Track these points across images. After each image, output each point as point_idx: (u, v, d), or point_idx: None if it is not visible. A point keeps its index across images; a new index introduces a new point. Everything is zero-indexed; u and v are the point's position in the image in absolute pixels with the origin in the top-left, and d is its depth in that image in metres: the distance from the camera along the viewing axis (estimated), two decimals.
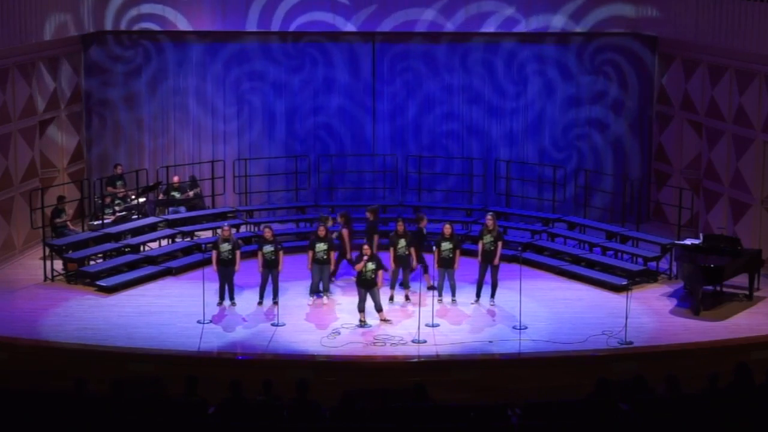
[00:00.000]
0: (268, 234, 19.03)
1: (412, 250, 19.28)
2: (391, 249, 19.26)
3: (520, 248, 20.40)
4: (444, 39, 24.60)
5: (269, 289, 19.04)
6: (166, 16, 24.16)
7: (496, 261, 19.16)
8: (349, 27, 24.29)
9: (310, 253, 19.09)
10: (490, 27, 24.17)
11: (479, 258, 19.30)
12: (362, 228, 20.90)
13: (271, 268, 18.93)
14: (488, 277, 19.31)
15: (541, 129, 24.82)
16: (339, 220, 20.38)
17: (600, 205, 24.21)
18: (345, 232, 20.18)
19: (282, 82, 24.83)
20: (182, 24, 24.25)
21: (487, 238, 19.20)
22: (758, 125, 20.96)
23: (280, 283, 19.03)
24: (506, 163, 24.43)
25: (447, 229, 19.07)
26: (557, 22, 24.06)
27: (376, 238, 19.96)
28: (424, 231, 19.90)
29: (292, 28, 24.30)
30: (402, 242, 19.21)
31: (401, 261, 19.29)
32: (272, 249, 18.91)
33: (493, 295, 19.29)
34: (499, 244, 19.19)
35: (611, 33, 24.32)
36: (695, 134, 23.53)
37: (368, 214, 20.48)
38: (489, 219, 19.38)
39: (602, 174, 24.41)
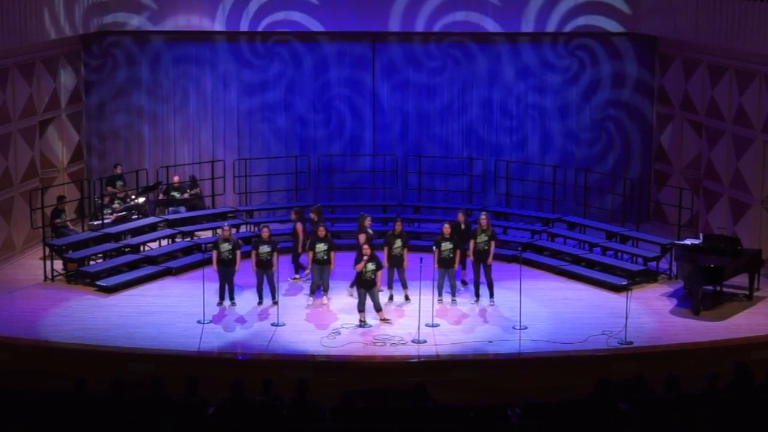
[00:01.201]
0: (265, 234, 19.04)
1: (405, 250, 19.28)
2: (386, 249, 19.25)
3: (520, 248, 20.39)
4: (445, 39, 24.59)
5: (268, 288, 19.05)
6: (166, 16, 24.15)
7: (490, 260, 19.17)
8: (350, 27, 24.29)
9: (311, 254, 19.09)
10: (489, 27, 24.17)
11: (472, 258, 19.31)
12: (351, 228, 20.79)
13: (266, 268, 18.93)
14: (482, 277, 19.33)
15: (541, 129, 24.83)
16: (293, 216, 20.27)
17: (600, 205, 24.20)
18: (299, 226, 20.07)
19: (282, 81, 24.82)
20: (183, 24, 24.24)
21: (481, 238, 19.21)
22: (758, 125, 20.96)
23: (280, 283, 19.01)
24: (506, 163, 24.43)
25: (447, 229, 19.08)
26: (558, 22, 24.06)
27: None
28: (462, 226, 19.79)
29: (293, 28, 24.30)
30: (398, 242, 19.20)
31: (396, 261, 19.28)
32: (268, 249, 18.91)
33: (491, 295, 19.30)
34: (493, 243, 19.20)
35: (611, 33, 24.32)
36: (695, 134, 23.54)
37: (312, 215, 20.30)
38: (483, 218, 19.39)
39: (602, 174, 24.42)
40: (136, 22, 24.20)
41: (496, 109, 24.83)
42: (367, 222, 20.02)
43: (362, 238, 19.53)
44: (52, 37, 22.30)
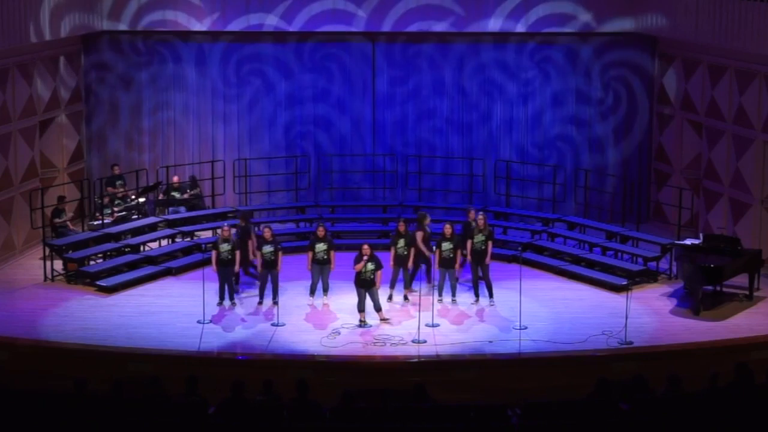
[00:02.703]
0: (267, 234, 19.03)
1: (411, 250, 19.28)
2: (392, 249, 19.26)
3: (520, 248, 20.39)
4: (445, 39, 24.60)
5: (269, 288, 19.03)
6: (167, 15, 24.15)
7: (487, 260, 19.18)
8: (351, 27, 24.29)
9: (310, 254, 19.07)
10: (491, 27, 24.17)
11: (469, 258, 19.30)
12: (360, 228, 20.81)
13: (270, 268, 18.93)
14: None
15: (541, 129, 24.83)
16: (241, 222, 19.99)
17: (600, 205, 24.20)
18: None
19: (282, 81, 24.83)
20: (183, 23, 24.25)
21: (478, 238, 19.22)
22: (758, 125, 20.96)
23: (280, 283, 19.01)
24: (506, 163, 24.44)
25: (447, 229, 19.07)
26: (558, 21, 24.06)
27: (251, 243, 19.61)
28: (473, 225, 19.81)
29: (292, 28, 24.30)
30: (402, 242, 19.20)
31: (401, 261, 19.28)
32: (272, 249, 18.90)
33: (491, 295, 19.31)
34: (490, 243, 19.20)
35: (611, 33, 24.33)
36: (695, 134, 23.54)
37: (240, 221, 20.05)
38: (480, 218, 19.39)
39: (602, 174, 24.42)
40: (135, 22, 24.19)
41: (497, 108, 24.83)
42: (427, 221, 19.89)
43: (419, 235, 19.36)
44: (51, 38, 22.29)
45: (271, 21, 24.15)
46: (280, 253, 18.95)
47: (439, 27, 24.18)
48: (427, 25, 24.16)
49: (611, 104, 24.71)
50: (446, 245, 18.96)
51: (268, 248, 18.89)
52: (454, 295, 19.36)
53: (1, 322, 18.08)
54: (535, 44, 24.58)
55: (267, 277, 19.00)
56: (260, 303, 19.17)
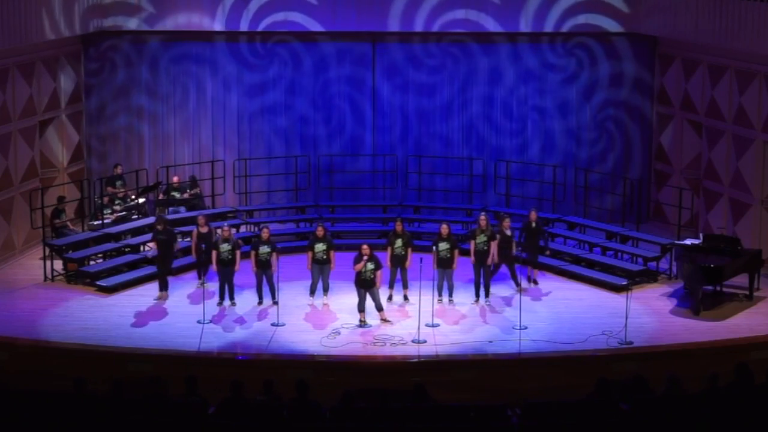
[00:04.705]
0: (265, 234, 19.04)
1: (409, 250, 19.28)
2: (389, 249, 19.25)
3: (520, 248, 20.39)
4: (444, 39, 24.61)
5: (268, 288, 19.05)
6: (165, 16, 24.15)
7: (490, 261, 19.17)
8: (350, 27, 24.29)
9: (310, 253, 19.07)
10: (489, 27, 24.17)
11: (473, 258, 19.30)
12: (360, 228, 20.79)
13: (264, 268, 18.93)
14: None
15: (541, 129, 24.83)
16: (159, 227, 19.79)
17: (600, 205, 24.20)
18: (194, 231, 19.85)
19: (282, 81, 24.83)
20: (182, 24, 24.24)
21: (481, 238, 19.21)
22: (758, 125, 20.96)
23: (280, 283, 19.01)
24: (506, 163, 24.44)
25: (444, 229, 19.06)
26: (557, 22, 24.06)
27: (175, 246, 19.56)
28: (533, 225, 20.02)
29: (293, 28, 24.30)
30: (399, 242, 19.19)
31: (398, 261, 19.27)
32: (268, 250, 18.91)
33: (487, 295, 19.31)
34: (492, 244, 19.20)
35: (611, 33, 24.33)
36: (695, 134, 23.54)
37: (159, 226, 19.78)
38: (482, 219, 19.38)
39: (602, 174, 24.41)
40: (135, 22, 24.20)
41: (497, 109, 24.84)
42: (506, 222, 19.70)
43: (505, 222, 19.39)
44: (51, 38, 22.29)
45: (273, 21, 24.18)
46: (274, 254, 18.93)
47: (439, 26, 24.15)
48: (426, 24, 24.15)
49: (611, 104, 24.70)
50: (443, 245, 18.94)
51: (264, 248, 18.90)
52: (451, 295, 19.35)
53: (1, 322, 18.08)
54: (533, 44, 24.57)
55: (262, 277, 19.01)
56: (260, 303, 19.17)
